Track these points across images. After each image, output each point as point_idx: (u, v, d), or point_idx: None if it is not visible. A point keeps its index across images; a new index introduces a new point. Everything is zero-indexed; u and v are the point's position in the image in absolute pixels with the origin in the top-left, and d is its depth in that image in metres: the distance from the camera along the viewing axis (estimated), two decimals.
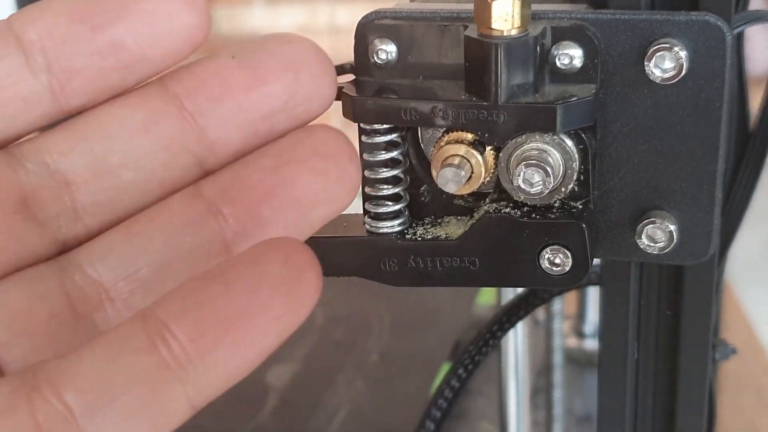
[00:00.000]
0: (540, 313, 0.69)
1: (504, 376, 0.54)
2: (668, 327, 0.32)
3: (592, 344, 0.72)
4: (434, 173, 0.28)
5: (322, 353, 0.67)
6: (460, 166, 0.28)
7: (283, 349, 0.69)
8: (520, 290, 0.42)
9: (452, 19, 0.29)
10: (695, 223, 0.29)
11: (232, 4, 2.30)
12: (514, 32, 0.27)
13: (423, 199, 0.31)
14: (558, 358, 0.63)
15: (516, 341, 0.53)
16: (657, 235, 0.29)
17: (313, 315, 0.72)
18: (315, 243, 0.30)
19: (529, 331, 0.64)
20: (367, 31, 0.29)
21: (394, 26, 0.29)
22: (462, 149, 0.28)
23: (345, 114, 0.29)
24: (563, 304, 0.62)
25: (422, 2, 0.31)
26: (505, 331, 0.42)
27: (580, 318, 0.72)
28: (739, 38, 0.39)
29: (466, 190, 0.29)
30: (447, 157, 0.28)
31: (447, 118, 0.28)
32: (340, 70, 0.30)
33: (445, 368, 0.65)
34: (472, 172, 0.28)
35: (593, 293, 0.71)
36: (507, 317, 0.41)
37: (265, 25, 2.31)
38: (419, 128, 0.30)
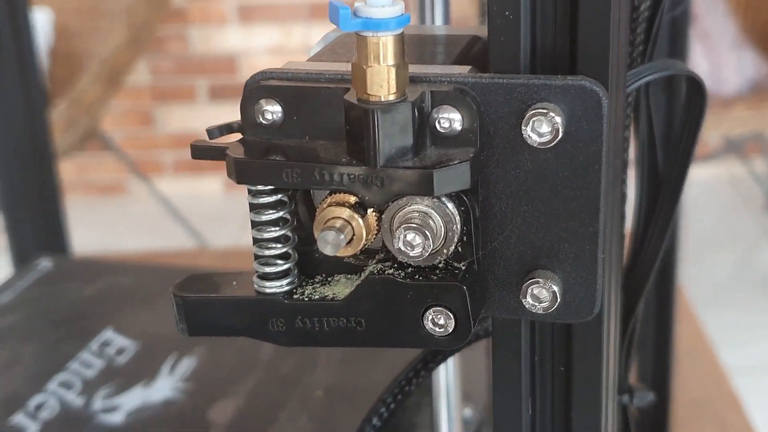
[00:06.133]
0: (486, 345, 0.69)
1: (436, 411, 0.54)
2: (562, 383, 0.32)
3: None
4: (316, 234, 0.28)
5: (267, 388, 0.67)
6: (341, 229, 0.28)
7: (227, 384, 0.68)
8: None
9: (336, 81, 0.29)
10: (579, 283, 0.29)
11: (207, 23, 2.31)
12: (391, 97, 0.27)
13: (316, 256, 0.31)
14: None
15: (447, 374, 0.53)
16: (542, 295, 0.29)
17: (259, 349, 0.71)
18: (202, 302, 0.30)
19: (474, 363, 0.64)
20: (253, 91, 0.29)
21: (279, 87, 0.29)
22: (345, 212, 0.28)
23: (229, 175, 0.29)
24: None
25: (315, 60, 0.31)
26: (430, 370, 0.42)
27: None
28: (647, 88, 0.39)
29: (348, 252, 0.29)
30: (328, 220, 0.28)
31: (328, 180, 0.28)
32: (228, 129, 0.30)
33: None
34: (353, 235, 0.28)
35: None
36: (432, 356, 0.41)
37: (239, 44, 2.32)
38: None
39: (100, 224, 2.26)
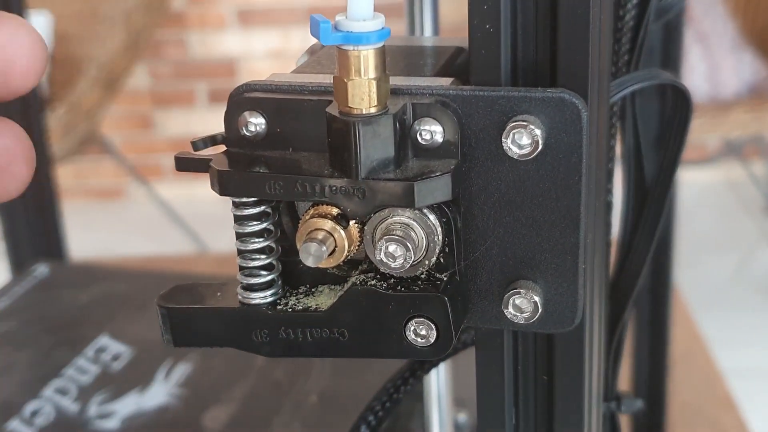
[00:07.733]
0: None
1: (428, 416, 0.54)
2: (544, 392, 0.32)
3: None
4: (299, 246, 0.29)
5: (262, 394, 0.67)
6: (323, 241, 0.28)
7: (221, 390, 0.68)
8: None
9: (319, 93, 0.29)
10: (560, 294, 0.29)
11: (206, 28, 2.31)
12: (372, 110, 0.27)
13: (300, 267, 0.31)
14: None
15: (438, 380, 0.53)
16: (523, 306, 0.29)
17: (253, 356, 0.71)
18: (186, 313, 0.30)
19: (469, 369, 0.64)
20: (236, 103, 0.29)
21: (262, 100, 0.29)
22: (327, 224, 0.28)
23: (212, 187, 0.29)
24: None
25: (299, 72, 0.32)
26: (418, 378, 0.42)
27: None
28: (633, 97, 0.39)
29: (331, 264, 0.29)
30: (310, 232, 0.28)
31: (310, 192, 0.28)
32: (212, 141, 0.30)
33: None
34: (336, 246, 0.28)
35: None
36: (419, 364, 0.41)
37: (238, 48, 2.32)
38: None
39: (100, 228, 2.26)
